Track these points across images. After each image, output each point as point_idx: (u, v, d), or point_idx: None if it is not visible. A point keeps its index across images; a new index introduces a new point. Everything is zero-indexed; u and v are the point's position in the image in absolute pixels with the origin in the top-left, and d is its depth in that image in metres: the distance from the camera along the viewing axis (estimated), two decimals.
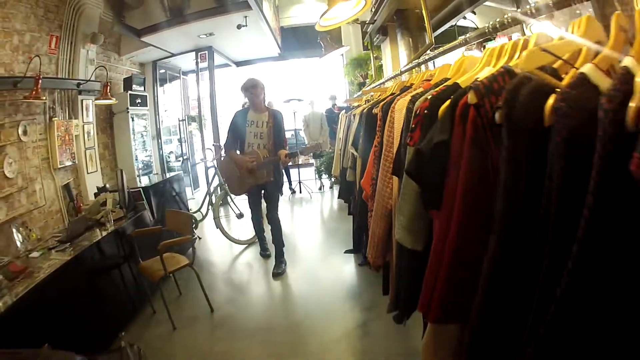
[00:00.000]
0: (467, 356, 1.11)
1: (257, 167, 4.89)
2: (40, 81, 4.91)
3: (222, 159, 5.52)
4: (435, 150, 1.27)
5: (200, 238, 6.58)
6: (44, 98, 5.29)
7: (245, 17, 7.14)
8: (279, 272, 5.06)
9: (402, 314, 1.91)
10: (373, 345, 3.31)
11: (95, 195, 5.42)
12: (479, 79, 1.20)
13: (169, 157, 9.40)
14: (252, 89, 4.95)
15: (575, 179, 0.78)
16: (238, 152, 5.07)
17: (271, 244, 5.42)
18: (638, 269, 0.72)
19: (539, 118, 0.88)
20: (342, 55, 9.43)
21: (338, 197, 5.41)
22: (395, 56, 5.40)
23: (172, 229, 4.62)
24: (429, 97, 1.58)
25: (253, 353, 3.43)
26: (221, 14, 6.93)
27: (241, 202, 6.11)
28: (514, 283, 1.00)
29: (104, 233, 4.26)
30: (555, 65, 1.08)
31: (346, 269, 4.99)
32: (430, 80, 2.14)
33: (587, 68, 0.87)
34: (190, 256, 4.27)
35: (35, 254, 3.83)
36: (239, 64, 10.94)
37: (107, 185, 5.75)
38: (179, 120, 10.72)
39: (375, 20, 5.36)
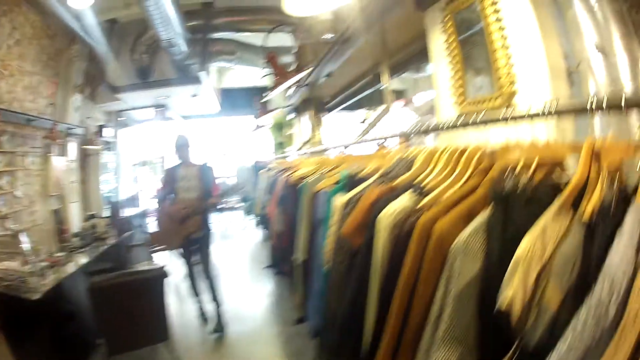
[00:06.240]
0: None
1: (188, 215, 4.99)
2: (57, 125, 6.20)
3: (158, 213, 5.64)
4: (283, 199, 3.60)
5: None
6: (60, 141, 6.57)
7: (197, 87, 8.78)
8: (218, 330, 5.05)
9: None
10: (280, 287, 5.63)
11: (86, 219, 6.86)
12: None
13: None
14: (185, 147, 5.19)
15: None
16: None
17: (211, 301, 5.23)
18: None
19: None
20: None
21: (258, 225, 7.56)
22: (300, 129, 7.71)
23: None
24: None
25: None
26: (180, 85, 8.52)
27: None
28: None
29: (107, 245, 5.91)
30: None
31: (266, 277, 7.05)
32: None
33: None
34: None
35: (59, 254, 5.08)
36: (186, 117, 12.38)
37: (96, 213, 7.30)
38: (133, 165, 12.10)
39: (291, 104, 7.70)
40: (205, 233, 5.21)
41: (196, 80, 8.37)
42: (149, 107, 10.46)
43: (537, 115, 1.25)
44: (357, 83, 5.74)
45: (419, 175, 1.66)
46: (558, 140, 1.29)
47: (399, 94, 9.72)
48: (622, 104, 1.01)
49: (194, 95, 9.33)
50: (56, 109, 6.79)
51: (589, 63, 1.68)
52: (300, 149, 7.24)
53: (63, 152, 7.28)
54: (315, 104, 7.02)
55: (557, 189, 1.10)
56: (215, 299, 5.18)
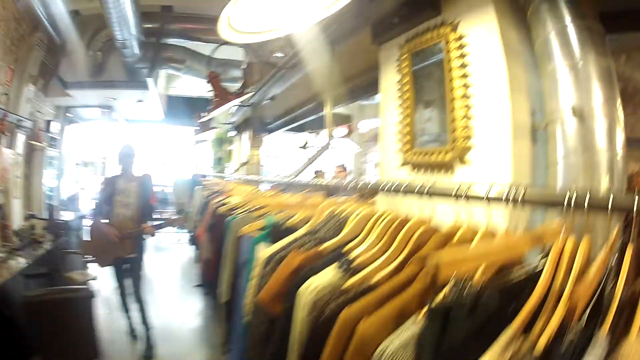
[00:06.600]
0: None
1: (121, 238, 4.70)
2: (8, 116, 5.85)
3: (92, 226, 5.15)
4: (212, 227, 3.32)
5: None
6: (8, 134, 6.25)
7: (144, 93, 8.63)
8: (147, 354, 4.79)
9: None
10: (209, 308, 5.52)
11: (26, 218, 6.72)
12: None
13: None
14: (130, 157, 4.98)
15: None
16: (106, 220, 4.85)
17: (141, 324, 5.00)
18: None
19: None
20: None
21: (190, 243, 7.37)
22: (239, 147, 7.62)
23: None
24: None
25: None
26: (128, 88, 8.34)
27: None
28: None
29: (43, 249, 5.79)
30: None
31: (196, 294, 6.75)
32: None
33: None
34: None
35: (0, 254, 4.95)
36: (130, 121, 12.03)
37: (36, 214, 7.15)
38: (76, 165, 11.84)
39: (233, 122, 7.50)
40: (137, 255, 4.97)
41: (143, 86, 8.18)
42: (96, 106, 10.23)
43: (498, 199, 1.04)
44: (302, 108, 5.67)
45: (349, 242, 1.46)
46: (516, 224, 1.08)
47: (344, 119, 9.63)
48: (609, 206, 0.81)
49: (140, 101, 9.16)
50: (9, 98, 6.36)
51: (562, 124, 1.51)
52: (237, 170, 7.02)
53: (10, 145, 6.87)
54: (256, 124, 6.85)
55: (508, 294, 0.89)
56: (144, 322, 4.97)
